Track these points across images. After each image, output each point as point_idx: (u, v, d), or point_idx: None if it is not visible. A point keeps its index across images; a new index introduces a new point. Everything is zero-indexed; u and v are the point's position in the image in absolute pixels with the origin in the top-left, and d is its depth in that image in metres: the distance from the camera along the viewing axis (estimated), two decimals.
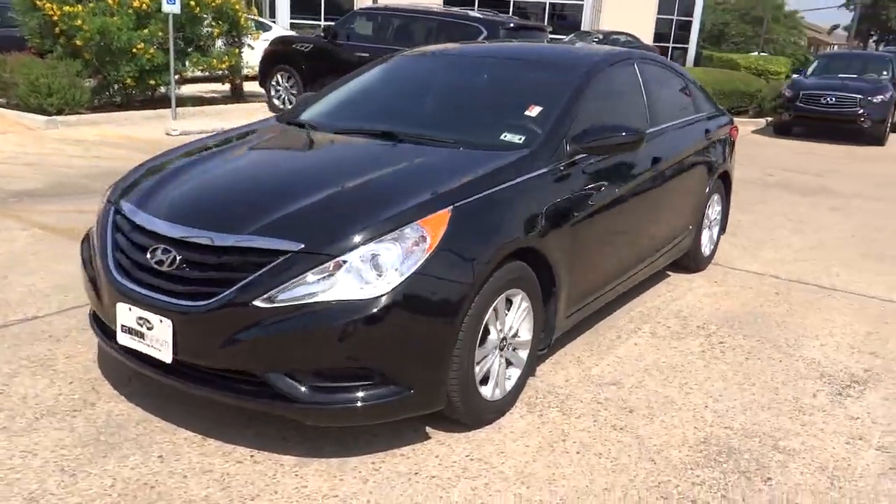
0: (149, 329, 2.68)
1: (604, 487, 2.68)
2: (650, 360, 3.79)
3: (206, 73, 12.31)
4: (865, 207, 8.12)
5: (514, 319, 3.04)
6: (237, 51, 11.99)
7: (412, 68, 4.39)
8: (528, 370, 3.25)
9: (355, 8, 17.10)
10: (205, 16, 11.34)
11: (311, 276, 2.51)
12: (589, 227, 3.44)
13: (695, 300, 4.73)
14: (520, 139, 3.39)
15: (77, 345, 3.60)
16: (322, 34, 11.58)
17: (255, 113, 11.83)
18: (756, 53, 29.43)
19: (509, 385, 3.11)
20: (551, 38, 13.97)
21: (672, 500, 2.64)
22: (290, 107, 11.55)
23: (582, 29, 24.11)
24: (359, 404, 2.56)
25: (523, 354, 3.16)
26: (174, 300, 2.63)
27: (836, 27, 48.03)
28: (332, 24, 11.78)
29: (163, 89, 11.30)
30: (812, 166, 10.94)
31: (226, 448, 2.79)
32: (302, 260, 2.53)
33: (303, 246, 2.55)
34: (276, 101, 12.07)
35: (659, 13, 28.15)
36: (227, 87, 13.20)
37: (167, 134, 9.76)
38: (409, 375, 2.60)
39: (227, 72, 12.05)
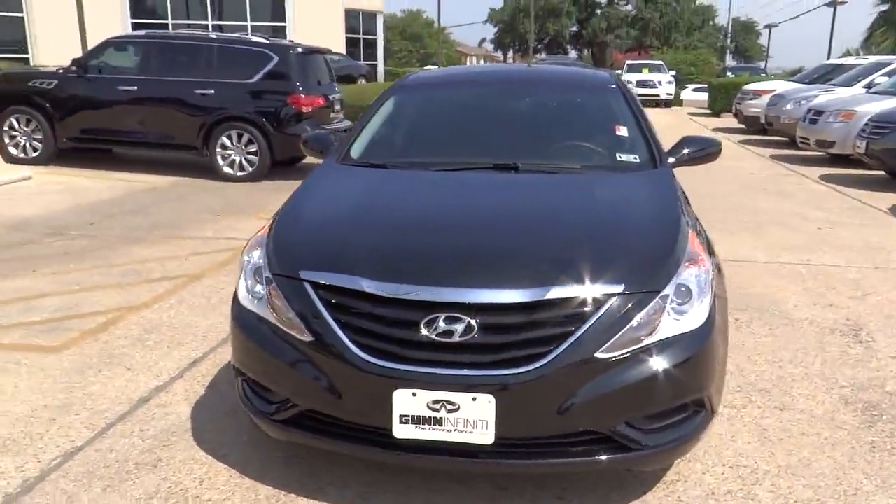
0: (450, 412, 2.29)
1: (847, 459, 2.96)
2: None
3: None
4: None
5: None
6: None
7: (445, 96, 4.19)
8: None
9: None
10: None
11: (640, 318, 2.37)
12: None
13: None
14: (635, 158, 3.50)
15: (188, 464, 2.87)
16: (72, 68, 9.98)
17: None
18: (433, 66, 32.14)
19: None
20: None
21: (883, 451, 3.00)
22: (36, 154, 10.00)
23: None
24: (686, 438, 2.49)
25: None
26: (489, 371, 2.29)
27: (483, 40, 54.29)
28: (80, 56, 10.22)
29: None
30: None
31: None
32: (628, 303, 2.38)
33: (623, 287, 2.39)
34: (13, 150, 10.14)
35: (346, 32, 28.99)
36: None
37: None
38: (714, 396, 2.59)
39: None
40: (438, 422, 2.30)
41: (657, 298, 2.42)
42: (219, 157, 9.75)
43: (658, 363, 2.37)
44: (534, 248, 2.61)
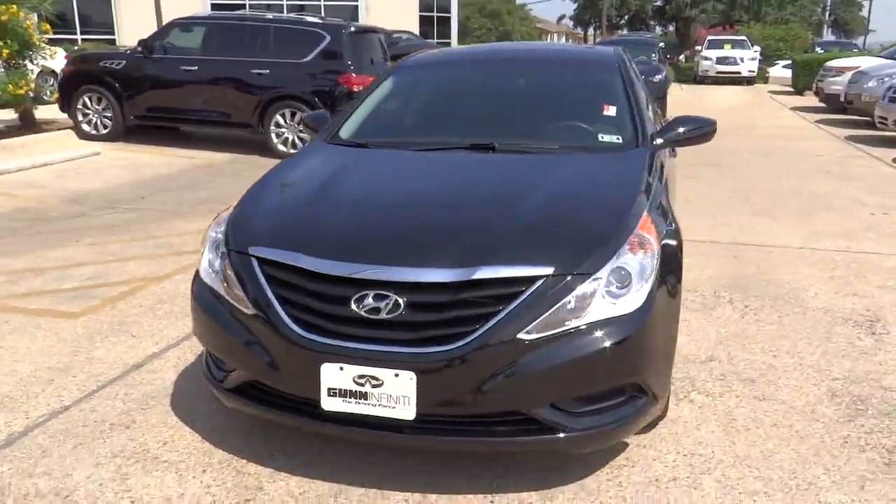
0: (375, 387, 2.35)
1: (812, 453, 2.86)
2: (713, 332, 4.04)
3: None
4: (710, 174, 9.10)
5: None
6: (32, 73, 10.43)
7: (439, 76, 4.21)
8: None
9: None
10: None
11: (568, 300, 2.36)
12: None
13: (684, 272, 5.06)
14: (618, 139, 3.44)
15: (157, 427, 3.03)
16: (138, 49, 10.44)
17: (65, 142, 10.48)
18: None
19: None
20: None
21: (869, 450, 2.88)
22: (106, 131, 10.55)
23: None
24: (620, 422, 2.47)
25: None
26: (412, 349, 2.33)
27: (563, 17, 53.41)
28: (146, 37, 10.67)
29: None
30: None
31: (457, 500, 2.54)
32: (556, 284, 2.37)
33: (554, 269, 2.39)
34: (85, 127, 10.70)
35: (420, 10, 29.04)
36: (13, 115, 11.38)
37: None
38: (655, 383, 2.55)
39: (19, 98, 10.40)
40: (363, 396, 2.37)
41: (589, 281, 2.40)
42: (273, 135, 10.03)
43: (585, 346, 2.35)
44: (473, 228, 2.62)
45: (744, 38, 28.45)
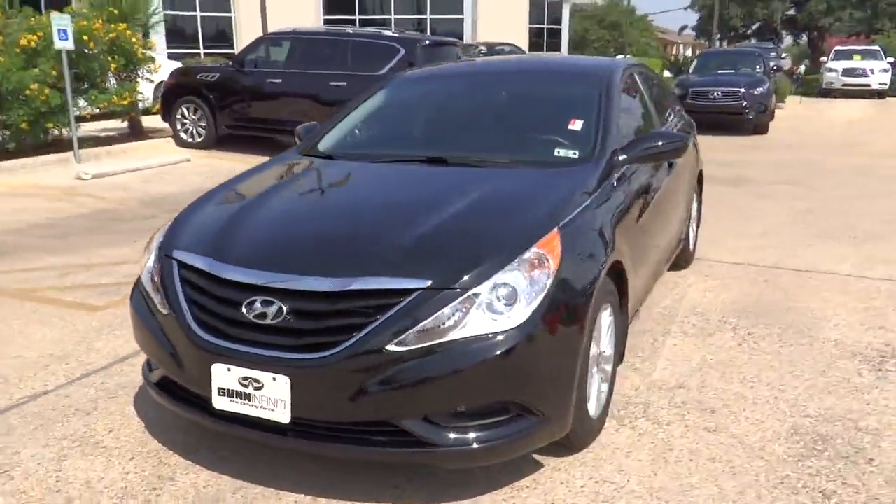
0: (257, 389, 2.45)
1: (737, 491, 2.69)
2: (697, 358, 3.86)
3: (96, 111, 11.58)
4: (787, 192, 8.64)
5: (603, 334, 3.01)
6: (136, 86, 11.33)
7: (423, 90, 4.30)
8: (613, 384, 3.22)
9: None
10: (98, 51, 10.62)
11: (443, 314, 2.37)
12: (640, 232, 3.48)
13: (700, 296, 4.87)
14: (574, 154, 3.38)
15: (113, 416, 3.26)
16: (229, 63, 11.13)
17: (163, 149, 11.28)
18: (625, 56, 31.20)
19: (602, 401, 3.07)
20: None
21: (802, 493, 2.69)
22: (200, 139, 11.31)
23: (465, 42, 24.48)
24: (500, 441, 2.45)
25: (609, 368, 3.13)
26: (288, 354, 2.42)
27: (684, 27, 51.86)
28: (238, 52, 11.34)
29: (56, 132, 10.50)
30: (717, 157, 11.52)
31: None
32: (431, 297, 2.39)
33: (430, 283, 2.41)
34: (183, 136, 11.49)
35: (529, 22, 29.07)
36: (123, 124, 12.40)
37: (78, 178, 9.12)
38: (544, 403, 2.51)
39: (125, 108, 11.32)
40: (248, 397, 2.47)
41: (466, 295, 2.40)
42: None
43: (458, 360, 2.35)
44: (367, 239, 2.67)
45: (876, 48, 26.45)
